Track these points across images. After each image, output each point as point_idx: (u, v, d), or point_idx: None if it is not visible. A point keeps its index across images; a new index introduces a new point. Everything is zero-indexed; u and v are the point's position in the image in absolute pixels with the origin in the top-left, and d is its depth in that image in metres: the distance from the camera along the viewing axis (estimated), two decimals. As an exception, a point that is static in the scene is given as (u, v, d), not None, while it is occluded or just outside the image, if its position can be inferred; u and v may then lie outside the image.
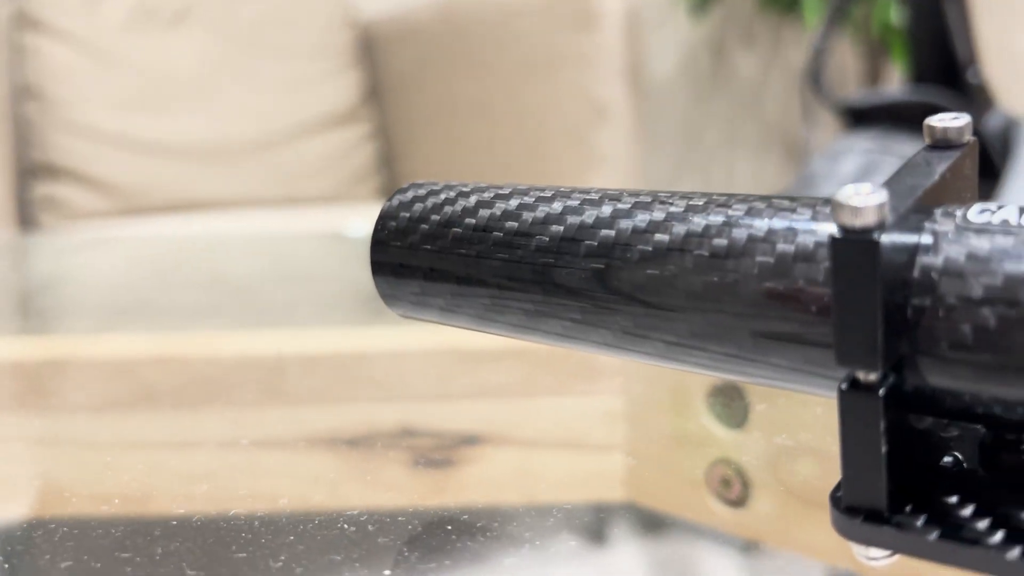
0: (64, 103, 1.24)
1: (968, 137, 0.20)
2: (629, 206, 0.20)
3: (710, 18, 1.66)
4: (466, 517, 0.30)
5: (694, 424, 0.38)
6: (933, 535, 0.16)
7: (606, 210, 0.20)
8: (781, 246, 0.18)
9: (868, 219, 0.16)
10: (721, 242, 0.19)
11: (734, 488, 0.33)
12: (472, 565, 0.24)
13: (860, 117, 0.95)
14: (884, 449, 0.16)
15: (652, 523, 0.32)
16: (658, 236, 0.19)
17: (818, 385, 0.18)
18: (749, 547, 0.29)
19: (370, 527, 0.29)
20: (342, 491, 0.34)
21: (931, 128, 0.20)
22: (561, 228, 0.20)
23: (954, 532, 0.16)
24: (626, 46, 1.21)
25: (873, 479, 0.16)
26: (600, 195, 0.21)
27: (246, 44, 1.35)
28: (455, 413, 0.39)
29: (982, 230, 0.17)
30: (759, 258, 0.19)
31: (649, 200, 0.20)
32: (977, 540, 0.16)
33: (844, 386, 0.17)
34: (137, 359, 0.47)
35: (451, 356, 0.42)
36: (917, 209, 0.18)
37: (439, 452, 0.37)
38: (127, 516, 0.30)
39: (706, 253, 0.19)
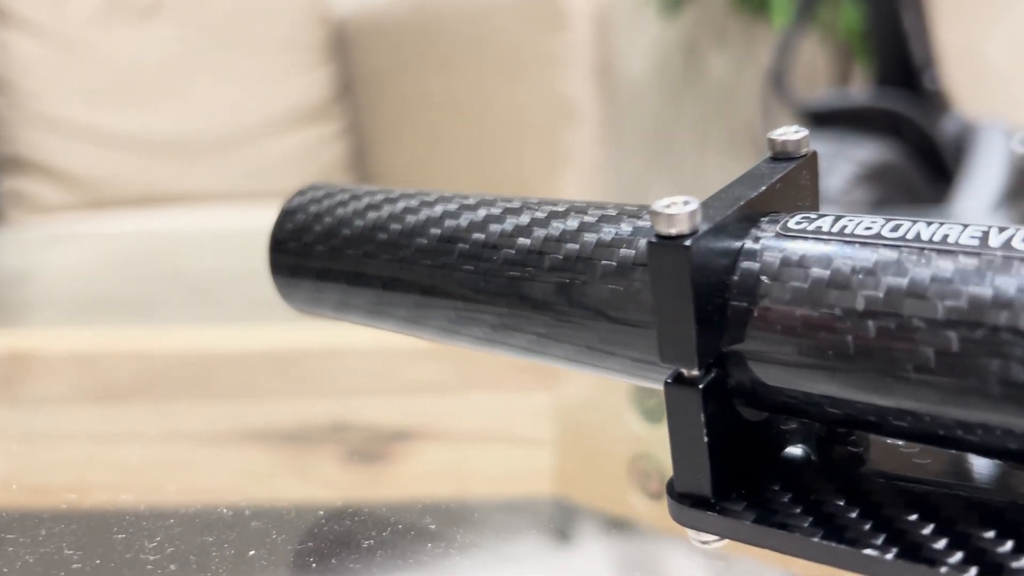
0: (32, 96, 1.23)
1: (806, 149, 0.21)
2: (500, 211, 0.21)
3: (682, 18, 1.67)
4: (397, 511, 0.30)
5: (621, 420, 0.39)
6: (749, 520, 0.17)
7: (480, 214, 0.21)
8: (622, 251, 0.19)
9: (681, 226, 0.17)
10: (573, 247, 0.20)
11: (653, 482, 0.34)
12: (405, 559, 0.25)
13: (820, 120, 0.96)
14: (706, 440, 0.17)
15: (580, 516, 0.33)
16: (521, 240, 0.20)
17: (657, 380, 0.19)
18: (671, 540, 0.30)
19: (291, 516, 0.30)
20: (276, 484, 0.35)
21: (771, 141, 0.21)
22: (439, 231, 0.21)
23: (768, 517, 0.17)
24: (595, 46, 1.22)
25: (698, 468, 0.17)
26: (477, 200, 0.22)
27: (217, 38, 1.35)
28: (388, 409, 0.40)
29: (798, 237, 0.18)
30: (603, 262, 0.20)
31: (518, 206, 0.21)
32: (786, 525, 0.17)
33: (669, 380, 0.17)
34: (85, 354, 0.48)
35: (384, 353, 0.42)
36: (743, 217, 0.18)
37: (372, 447, 0.38)
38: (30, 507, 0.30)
39: (560, 256, 0.20)
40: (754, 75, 1.65)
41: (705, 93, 1.70)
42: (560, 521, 0.33)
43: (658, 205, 0.17)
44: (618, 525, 0.32)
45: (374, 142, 1.42)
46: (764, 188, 0.19)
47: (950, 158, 0.97)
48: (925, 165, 0.98)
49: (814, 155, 0.21)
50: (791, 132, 0.21)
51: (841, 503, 0.17)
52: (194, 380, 0.43)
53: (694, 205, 0.17)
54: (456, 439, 0.39)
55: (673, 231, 0.17)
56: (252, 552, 0.25)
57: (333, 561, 0.25)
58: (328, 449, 0.38)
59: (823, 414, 0.18)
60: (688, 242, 0.17)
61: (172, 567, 0.23)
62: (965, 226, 0.17)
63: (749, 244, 0.18)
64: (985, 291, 0.16)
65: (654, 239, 0.17)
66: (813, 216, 0.19)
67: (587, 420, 0.40)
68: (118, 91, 1.28)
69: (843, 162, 0.86)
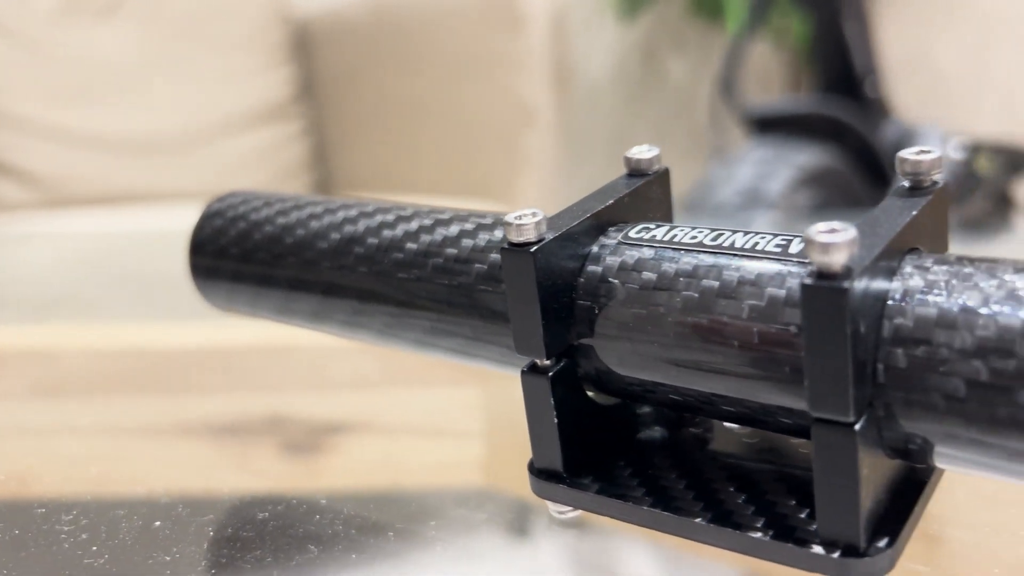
0: (-10, 94, 1.23)
1: (657, 167, 0.23)
2: (393, 218, 0.23)
3: (640, 23, 1.69)
4: (332, 500, 0.31)
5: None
6: (593, 491, 0.19)
7: (376, 220, 0.23)
8: (492, 256, 0.22)
9: (528, 235, 0.19)
10: (452, 251, 0.22)
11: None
12: (339, 549, 0.26)
13: (764, 125, 0.99)
14: (556, 421, 0.19)
15: (509, 507, 0.34)
16: (409, 244, 0.22)
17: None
18: (601, 529, 0.32)
19: (231, 504, 0.32)
20: (215, 475, 0.36)
21: (627, 159, 0.23)
22: (339, 236, 0.23)
23: (609, 489, 0.20)
24: (553, 49, 1.24)
25: (551, 446, 0.20)
26: (375, 208, 0.24)
27: (178, 37, 1.35)
28: (322, 403, 0.42)
29: (636, 245, 0.20)
30: (476, 265, 0.22)
31: (409, 213, 0.23)
32: (623, 496, 0.19)
33: (524, 369, 0.20)
34: (35, 350, 0.49)
35: (319, 350, 0.44)
36: (593, 226, 0.21)
37: (307, 439, 0.39)
38: None
39: (441, 260, 0.22)
40: (711, 79, 1.69)
41: (663, 96, 1.72)
42: (488, 509, 0.34)
43: (510, 217, 0.19)
44: (541, 512, 0.34)
45: (334, 142, 1.43)
46: (612, 201, 0.21)
47: (889, 163, 1.00)
48: (865, 170, 1.01)
49: (666, 172, 0.23)
50: (644, 151, 0.23)
51: (674, 477, 0.20)
52: (138, 376, 0.44)
53: (540, 216, 0.19)
54: (388, 432, 0.41)
55: (521, 239, 0.19)
56: (158, 523, 0.26)
57: (270, 547, 0.26)
58: (265, 441, 0.39)
59: (659, 399, 0.20)
60: (533, 249, 0.19)
61: (83, 536, 0.25)
62: (774, 235, 0.19)
63: (595, 250, 0.21)
64: (780, 293, 0.18)
65: (506, 246, 0.19)
66: (652, 226, 0.21)
67: (513, 413, 0.42)
68: (78, 90, 1.28)
69: (783, 166, 0.89)
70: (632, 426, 0.22)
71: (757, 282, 0.18)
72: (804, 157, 0.89)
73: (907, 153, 0.20)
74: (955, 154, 1.03)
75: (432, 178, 1.30)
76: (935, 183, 0.20)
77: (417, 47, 1.33)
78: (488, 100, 1.26)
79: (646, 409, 0.22)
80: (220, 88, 1.37)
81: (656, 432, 0.22)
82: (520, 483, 0.35)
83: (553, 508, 0.21)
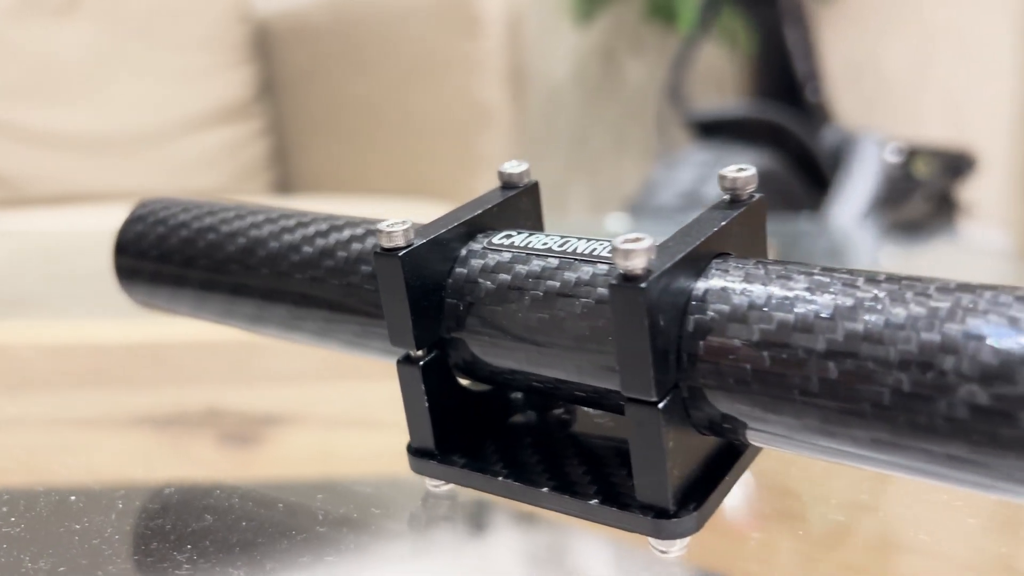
0: (-55, 91, 1.23)
1: (527, 180, 0.26)
2: (293, 223, 0.25)
3: (599, 26, 1.72)
4: (270, 488, 0.33)
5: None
6: (459, 466, 0.22)
7: (279, 226, 0.25)
8: (364, 267, 0.24)
9: (397, 241, 0.21)
10: (343, 254, 0.24)
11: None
12: (276, 532, 0.28)
13: (707, 130, 1.01)
14: (427, 405, 0.22)
15: (437, 495, 0.36)
16: (305, 248, 0.25)
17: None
18: (530, 517, 0.34)
19: (169, 493, 0.33)
20: (154, 465, 0.38)
21: (500, 173, 0.25)
22: (244, 240, 0.26)
23: (473, 464, 0.22)
24: (509, 52, 1.26)
25: (423, 427, 0.22)
26: (279, 215, 0.26)
27: (137, 35, 1.35)
28: (258, 396, 0.43)
29: (496, 250, 0.23)
30: (363, 267, 0.24)
31: (308, 220, 0.25)
32: (484, 469, 0.22)
33: (399, 359, 0.22)
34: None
35: (254, 344, 0.46)
36: (463, 233, 0.23)
37: (244, 430, 0.41)
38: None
39: (332, 263, 0.24)
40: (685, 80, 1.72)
41: (622, 98, 1.75)
42: (418, 496, 0.36)
43: (382, 224, 0.22)
44: (479, 503, 0.36)
45: (294, 141, 1.44)
46: (481, 211, 0.24)
47: (827, 166, 1.03)
48: (804, 174, 1.04)
49: (535, 185, 0.26)
50: (515, 165, 0.26)
51: (531, 454, 0.23)
52: (78, 370, 0.46)
53: (408, 224, 0.22)
54: (322, 423, 0.42)
55: (391, 245, 0.22)
56: (72, 497, 0.28)
57: (209, 532, 0.28)
58: (203, 433, 0.41)
59: (519, 385, 0.23)
60: (401, 253, 0.21)
61: (3, 509, 0.26)
62: (610, 242, 0.22)
63: (463, 254, 0.23)
64: (605, 292, 0.21)
65: (378, 251, 0.21)
66: (514, 233, 0.24)
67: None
68: (36, 88, 1.28)
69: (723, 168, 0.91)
70: (505, 411, 0.25)
71: (590, 283, 0.21)
72: (745, 159, 0.92)
73: (727, 171, 0.23)
74: (892, 158, 1.07)
75: (389, 178, 1.32)
76: (751, 196, 0.23)
77: (375, 48, 1.34)
78: (445, 101, 1.28)
79: (517, 395, 0.25)
80: (179, 87, 1.37)
81: (526, 416, 0.25)
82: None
83: (429, 483, 0.24)
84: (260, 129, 1.42)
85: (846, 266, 0.21)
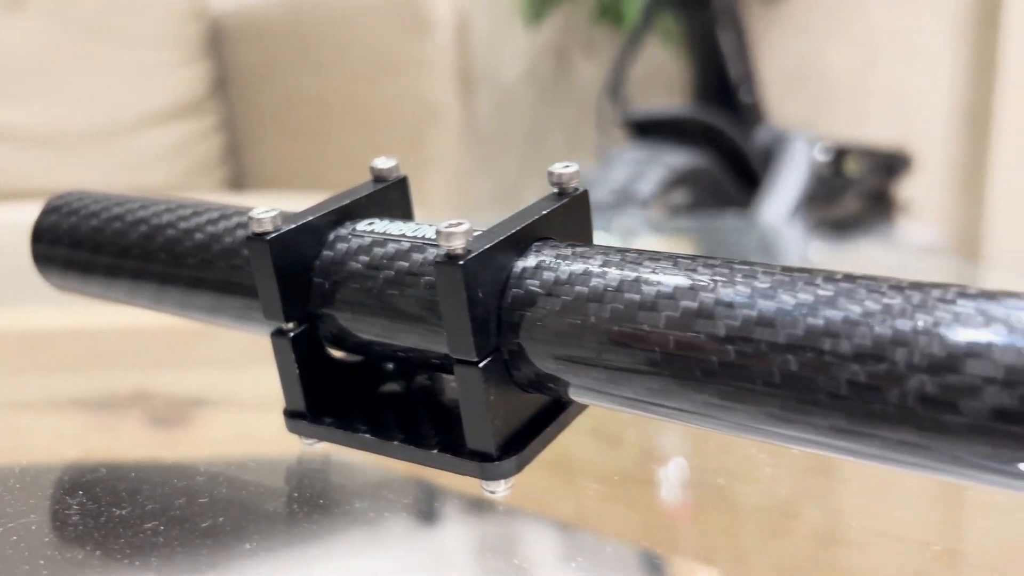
0: None
1: (396, 175, 0.29)
2: (189, 213, 0.28)
3: (552, 26, 1.75)
4: (197, 467, 0.34)
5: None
6: (327, 425, 0.25)
7: (176, 214, 0.28)
8: (246, 252, 0.27)
9: (266, 227, 0.24)
10: (230, 239, 0.27)
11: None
12: (199, 511, 0.29)
13: (642, 129, 1.05)
14: (297, 373, 0.25)
15: (359, 471, 0.39)
16: (197, 235, 0.28)
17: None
18: (436, 491, 0.36)
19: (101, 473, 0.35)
20: (86, 447, 0.40)
21: (371, 168, 0.28)
22: (146, 228, 0.28)
23: (339, 423, 0.25)
24: (458, 52, 1.29)
25: (295, 391, 0.25)
26: (176, 205, 0.29)
27: (89, 31, 1.36)
28: (185, 380, 0.46)
29: (359, 235, 0.26)
30: (245, 252, 0.27)
31: (202, 210, 0.28)
32: (346, 427, 0.25)
33: (272, 332, 0.25)
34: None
35: (183, 330, 0.48)
36: (333, 220, 0.26)
37: (172, 413, 0.43)
38: None
39: (219, 247, 0.27)
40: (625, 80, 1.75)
41: (574, 97, 1.78)
42: (339, 473, 0.39)
43: (253, 213, 0.24)
44: (383, 480, 0.38)
45: (247, 138, 1.46)
46: (350, 201, 0.27)
47: (758, 165, 1.07)
48: (736, 172, 1.08)
49: (404, 179, 0.29)
50: (385, 162, 0.28)
51: (390, 413, 0.26)
52: (13, 356, 0.48)
53: (275, 212, 0.24)
54: (247, 405, 0.45)
55: (260, 230, 0.25)
56: (7, 478, 0.30)
57: (138, 510, 0.29)
58: (132, 415, 0.43)
59: (379, 353, 0.26)
60: (268, 238, 0.24)
61: None
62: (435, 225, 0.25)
63: (331, 238, 0.26)
64: (412, 264, 0.24)
65: (250, 235, 0.24)
66: (377, 221, 0.27)
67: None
68: (-14, 83, 1.29)
69: (655, 167, 0.95)
70: (376, 379, 0.28)
71: (424, 261, 0.24)
72: (674, 158, 0.96)
73: (554, 168, 0.26)
74: (820, 156, 1.11)
75: (341, 175, 1.34)
76: (575, 189, 0.26)
77: (327, 47, 1.36)
78: (395, 100, 1.30)
79: (389, 366, 0.28)
80: (132, 84, 1.38)
81: (395, 384, 0.28)
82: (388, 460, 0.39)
83: (303, 442, 0.27)
84: (213, 126, 1.44)
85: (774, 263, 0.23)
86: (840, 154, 1.18)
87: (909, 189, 1.50)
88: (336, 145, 1.36)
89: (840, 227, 1.22)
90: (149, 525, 0.27)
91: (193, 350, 0.48)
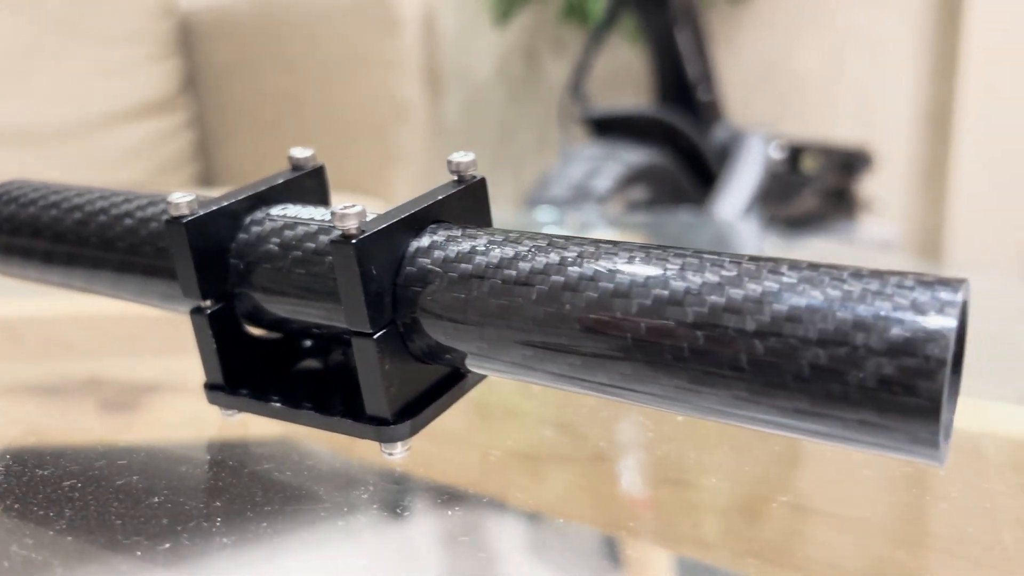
0: None
1: (313, 164, 0.30)
2: (120, 200, 0.30)
3: (521, 25, 1.77)
4: (149, 450, 0.36)
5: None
6: (242, 396, 0.27)
7: (108, 201, 0.30)
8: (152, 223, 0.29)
9: (183, 211, 0.26)
10: (156, 224, 0.29)
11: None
12: (150, 492, 0.30)
13: (601, 127, 1.07)
14: (215, 347, 0.26)
15: (306, 454, 0.40)
16: (127, 220, 0.29)
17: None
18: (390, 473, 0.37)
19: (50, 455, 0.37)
20: (40, 431, 0.41)
21: (289, 157, 0.30)
22: (80, 215, 0.30)
23: (254, 394, 0.27)
24: (425, 50, 1.30)
25: (213, 365, 0.27)
26: (109, 193, 0.31)
27: (58, 28, 1.36)
28: (137, 366, 0.47)
29: (273, 219, 0.28)
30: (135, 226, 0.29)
31: (133, 197, 0.30)
32: (260, 397, 0.26)
33: (191, 309, 0.27)
34: None
35: (132, 318, 0.49)
36: (248, 206, 0.28)
37: (124, 398, 0.45)
38: None
39: (146, 231, 0.29)
40: (589, 79, 1.77)
41: (544, 95, 1.80)
42: (285, 456, 0.40)
43: (171, 198, 0.26)
44: (347, 463, 0.40)
45: (217, 135, 1.47)
46: (267, 187, 0.28)
47: (714, 162, 1.09)
48: (692, 169, 1.10)
49: (321, 167, 0.31)
50: (302, 151, 0.30)
51: (303, 385, 0.27)
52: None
53: (191, 197, 0.26)
54: (196, 391, 0.46)
55: (177, 214, 0.26)
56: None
57: (90, 493, 0.30)
58: (85, 401, 0.44)
59: (293, 329, 0.28)
60: (184, 221, 0.26)
61: None
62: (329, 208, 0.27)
63: (247, 222, 0.28)
64: (318, 245, 0.26)
65: (168, 219, 0.26)
66: (291, 206, 0.28)
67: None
68: (-47, 79, 1.29)
69: (612, 163, 0.97)
70: (295, 355, 0.30)
71: (315, 238, 0.27)
72: (631, 155, 0.98)
73: (453, 156, 0.28)
74: (775, 154, 1.14)
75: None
76: (473, 177, 0.28)
77: (296, 44, 1.37)
78: (363, 97, 1.32)
79: (306, 343, 0.30)
80: (102, 81, 1.39)
81: (312, 359, 0.30)
82: (313, 434, 0.41)
83: (222, 413, 0.29)
84: (183, 123, 1.45)
85: None
86: (796, 152, 1.20)
87: (872, 187, 1.53)
88: (305, 142, 1.37)
89: (800, 224, 1.25)
90: (98, 509, 0.28)
91: (146, 337, 0.49)
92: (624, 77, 1.71)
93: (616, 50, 1.69)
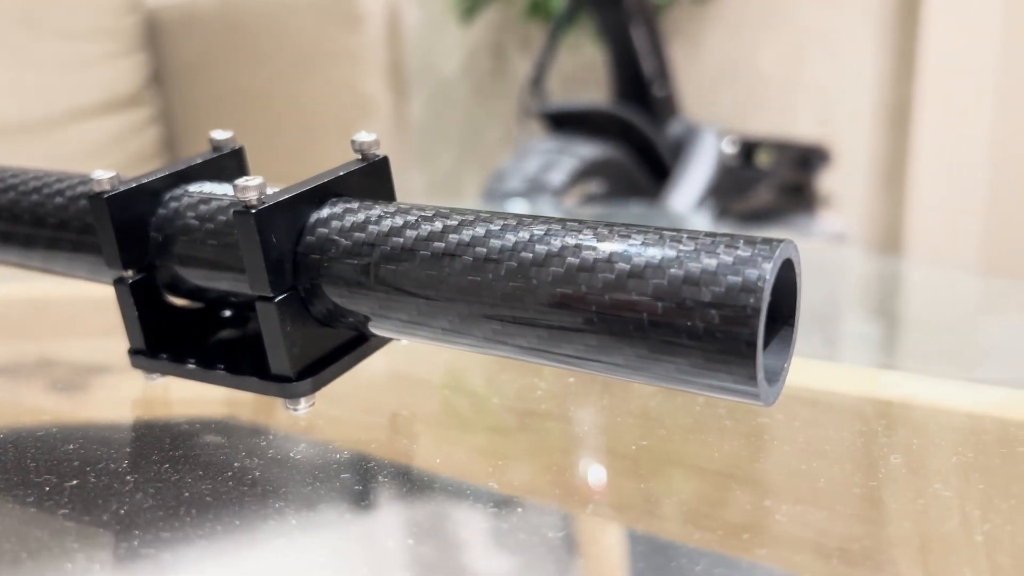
0: None
1: (232, 147, 0.32)
2: (52, 181, 0.32)
3: (487, 23, 1.79)
4: (100, 430, 0.37)
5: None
6: (163, 359, 0.29)
7: (31, 185, 0.32)
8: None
9: (104, 187, 0.28)
10: (81, 204, 0.31)
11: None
12: (100, 474, 0.31)
13: (558, 121, 1.09)
14: (136, 315, 0.28)
15: (251, 433, 0.42)
16: (34, 197, 0.31)
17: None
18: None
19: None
20: None
21: (210, 139, 0.32)
22: (13, 194, 0.32)
23: (172, 358, 0.29)
24: (389, 46, 1.32)
25: (136, 332, 0.29)
26: (43, 174, 0.32)
27: (22, 23, 1.37)
28: (87, 348, 0.48)
29: (189, 195, 0.30)
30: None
31: (64, 178, 0.32)
32: (177, 359, 0.28)
33: (114, 280, 0.29)
34: None
35: (82, 300, 0.51)
36: (169, 183, 0.30)
37: (74, 379, 0.46)
38: None
39: (64, 201, 0.31)
40: (556, 76, 1.80)
41: (511, 92, 1.82)
42: (233, 433, 0.42)
43: (94, 174, 0.28)
44: (287, 441, 0.41)
45: (183, 131, 1.48)
46: (186, 167, 0.30)
47: (668, 156, 1.11)
48: (647, 164, 1.12)
49: (240, 149, 0.33)
50: (221, 134, 0.32)
51: (219, 348, 0.29)
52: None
53: (112, 174, 0.28)
54: (127, 369, 0.48)
55: (99, 190, 0.28)
56: None
57: (43, 475, 0.31)
58: (34, 382, 0.46)
59: (213, 299, 0.30)
60: (105, 196, 0.28)
61: None
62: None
63: (166, 198, 0.30)
64: (229, 218, 0.28)
65: (91, 194, 0.28)
66: (208, 184, 0.30)
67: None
68: (-85, 74, 1.29)
69: (567, 157, 0.99)
70: (217, 324, 0.32)
71: (227, 211, 0.29)
72: (586, 149, 1.01)
73: (357, 136, 0.30)
74: (728, 149, 1.17)
75: (276, 167, 1.36)
76: (376, 156, 0.30)
77: (261, 40, 1.39)
78: (328, 92, 1.33)
79: (226, 313, 0.32)
80: (67, 76, 1.39)
81: (232, 328, 0.32)
82: (264, 414, 0.43)
83: (146, 377, 0.31)
84: (149, 118, 1.45)
85: None
86: (751, 147, 1.23)
87: (833, 183, 1.56)
88: (271, 137, 1.39)
89: (758, 217, 1.27)
90: (51, 490, 0.29)
91: (93, 318, 0.50)
92: (588, 74, 1.73)
93: (580, 48, 1.71)
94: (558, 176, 0.95)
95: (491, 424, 0.35)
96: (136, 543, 0.26)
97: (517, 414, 0.36)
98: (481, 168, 1.85)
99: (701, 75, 1.70)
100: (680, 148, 1.12)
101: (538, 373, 0.35)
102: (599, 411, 0.35)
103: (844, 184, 1.65)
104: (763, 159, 1.23)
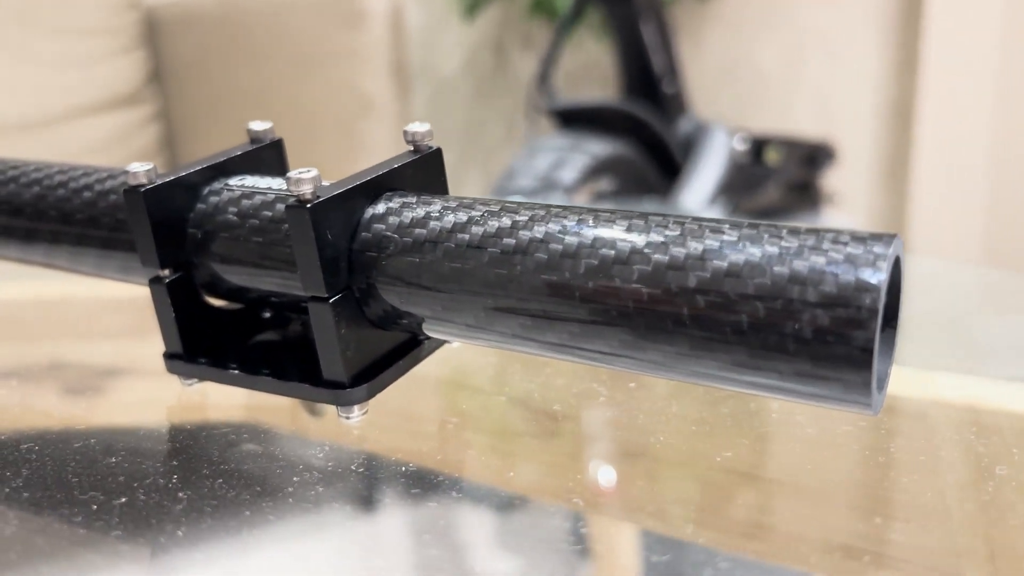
0: None
1: (272, 137, 0.31)
2: (67, 178, 0.30)
3: (489, 20, 1.77)
4: (113, 433, 0.36)
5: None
6: (203, 364, 0.27)
7: (56, 179, 0.30)
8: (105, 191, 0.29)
9: (141, 180, 0.26)
10: (113, 201, 0.29)
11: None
12: (113, 477, 0.30)
13: (567, 119, 1.08)
14: (173, 316, 0.27)
15: (266, 436, 0.41)
16: (60, 191, 0.30)
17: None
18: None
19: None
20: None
21: (248, 130, 0.31)
22: (38, 188, 0.30)
23: (214, 363, 0.27)
24: (391, 44, 1.30)
25: (172, 334, 0.27)
26: (69, 168, 0.31)
27: (21, 21, 1.35)
28: (98, 350, 0.47)
29: (230, 189, 0.28)
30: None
31: (73, 167, 0.30)
32: (219, 365, 0.27)
33: (150, 279, 0.27)
34: None
35: (95, 301, 0.49)
36: (209, 177, 0.28)
37: (86, 382, 0.45)
38: None
39: (82, 200, 0.29)
40: (558, 74, 1.78)
41: (513, 89, 1.81)
42: (246, 436, 0.40)
43: (130, 167, 0.26)
44: (279, 438, 0.40)
45: (183, 129, 1.46)
46: (225, 159, 0.29)
47: (679, 153, 1.10)
48: (657, 161, 1.11)
49: (279, 141, 0.31)
50: (260, 124, 0.31)
51: (263, 353, 0.28)
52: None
53: (149, 167, 0.27)
54: (158, 373, 0.47)
55: (136, 183, 0.27)
56: None
57: (53, 477, 0.30)
58: (46, 385, 0.44)
59: (251, 299, 0.28)
60: (143, 190, 0.26)
61: None
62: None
63: (205, 192, 0.28)
64: (275, 213, 0.27)
65: (126, 188, 0.26)
66: (249, 177, 0.29)
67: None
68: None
69: (578, 154, 0.98)
70: (256, 326, 0.30)
71: (272, 207, 0.27)
72: (597, 147, 0.99)
73: (411, 127, 0.29)
74: (739, 146, 1.16)
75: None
76: (429, 148, 0.28)
77: (262, 37, 1.37)
78: (329, 91, 1.32)
79: (267, 314, 0.30)
80: (66, 74, 1.37)
81: (273, 330, 0.30)
82: (279, 417, 0.42)
83: (182, 382, 0.29)
84: (149, 116, 1.44)
85: None
86: (760, 144, 1.22)
87: (836, 181, 1.56)
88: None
89: (765, 215, 1.27)
90: (61, 494, 0.28)
91: (105, 320, 0.49)
92: (592, 72, 1.72)
93: (584, 45, 1.70)
94: (570, 173, 0.94)
95: (545, 430, 0.34)
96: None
97: (573, 421, 0.35)
98: (483, 166, 1.84)
99: (702, 73, 1.69)
100: (690, 145, 1.11)
101: (596, 377, 0.34)
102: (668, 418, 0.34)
103: (847, 182, 1.64)
104: (772, 157, 1.22)
